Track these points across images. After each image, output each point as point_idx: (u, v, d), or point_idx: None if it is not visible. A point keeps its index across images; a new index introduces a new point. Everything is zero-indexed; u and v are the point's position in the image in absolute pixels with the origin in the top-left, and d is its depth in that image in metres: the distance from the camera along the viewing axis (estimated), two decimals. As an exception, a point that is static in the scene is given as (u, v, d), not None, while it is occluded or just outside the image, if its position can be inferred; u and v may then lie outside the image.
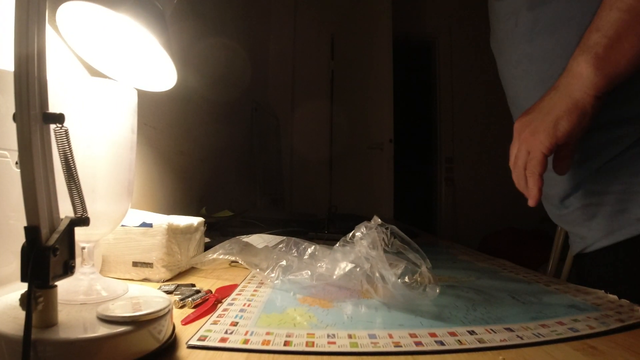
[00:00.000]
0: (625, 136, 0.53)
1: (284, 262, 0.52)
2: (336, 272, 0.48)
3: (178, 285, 0.50)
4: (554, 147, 0.48)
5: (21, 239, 0.26)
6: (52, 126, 0.28)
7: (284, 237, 0.61)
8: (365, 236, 0.47)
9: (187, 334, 0.35)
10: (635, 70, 0.44)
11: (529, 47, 0.60)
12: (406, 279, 0.45)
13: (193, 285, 0.51)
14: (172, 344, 0.33)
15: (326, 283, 0.49)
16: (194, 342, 0.33)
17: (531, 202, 0.51)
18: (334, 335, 0.35)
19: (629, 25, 0.43)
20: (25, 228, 0.26)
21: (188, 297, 0.44)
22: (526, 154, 0.51)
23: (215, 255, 0.55)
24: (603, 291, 0.50)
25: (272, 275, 0.51)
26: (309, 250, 0.54)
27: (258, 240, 0.65)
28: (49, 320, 0.27)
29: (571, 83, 0.47)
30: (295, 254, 0.54)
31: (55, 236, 0.27)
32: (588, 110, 0.46)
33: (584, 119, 0.46)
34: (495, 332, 0.36)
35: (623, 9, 0.43)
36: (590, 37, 0.46)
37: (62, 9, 0.45)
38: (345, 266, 0.48)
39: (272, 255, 0.53)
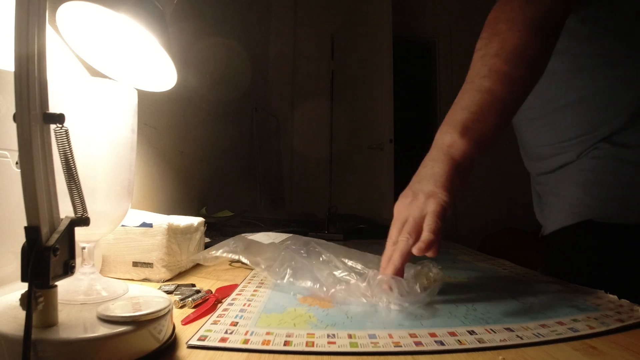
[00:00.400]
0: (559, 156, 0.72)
1: (293, 263, 0.51)
2: (346, 277, 0.48)
3: (178, 285, 0.50)
4: (452, 201, 0.49)
5: (21, 239, 0.26)
6: (53, 126, 0.28)
7: (290, 235, 0.62)
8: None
9: (187, 334, 0.35)
10: (495, 142, 0.54)
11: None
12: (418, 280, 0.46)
13: (193, 285, 0.51)
14: (172, 344, 0.33)
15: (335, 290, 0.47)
16: (194, 342, 0.33)
17: (432, 253, 0.46)
18: (334, 335, 0.35)
19: (490, 103, 0.52)
20: (26, 228, 0.26)
21: (188, 297, 0.44)
22: (417, 219, 0.48)
23: (218, 253, 0.54)
24: (603, 291, 0.51)
25: (278, 270, 0.50)
26: (324, 257, 0.53)
27: (264, 238, 0.65)
28: (49, 320, 0.27)
29: (448, 151, 0.51)
30: (304, 254, 0.54)
31: (56, 236, 0.27)
32: (466, 170, 0.52)
33: (466, 175, 0.52)
34: (495, 332, 0.36)
35: (483, 91, 0.52)
36: (456, 114, 0.53)
37: (62, 9, 0.45)
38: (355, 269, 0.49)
39: (279, 252, 0.53)
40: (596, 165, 0.68)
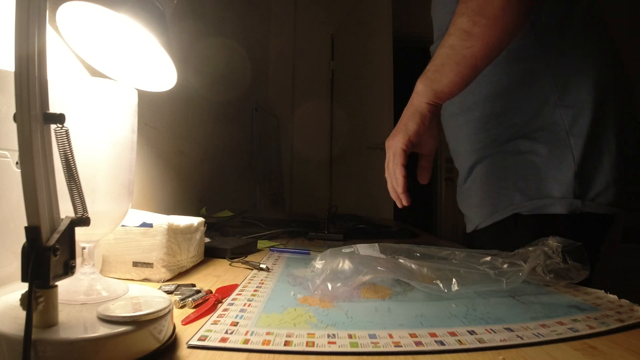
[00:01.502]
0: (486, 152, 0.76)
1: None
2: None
3: (178, 285, 0.50)
4: (409, 142, 0.63)
5: (21, 239, 0.26)
6: (53, 126, 0.28)
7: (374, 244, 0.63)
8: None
9: (187, 334, 0.35)
10: (455, 88, 0.61)
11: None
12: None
13: (193, 285, 0.51)
14: (172, 344, 0.33)
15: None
16: (194, 342, 0.33)
17: (402, 195, 0.66)
18: (334, 335, 0.35)
19: (450, 56, 0.60)
20: (26, 228, 0.26)
21: (188, 297, 0.44)
22: (392, 154, 0.65)
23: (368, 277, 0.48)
24: (603, 291, 0.51)
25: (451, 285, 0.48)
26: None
27: (370, 250, 0.61)
28: (49, 320, 0.27)
29: (414, 97, 0.64)
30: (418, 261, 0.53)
31: (56, 236, 0.27)
32: (426, 114, 0.63)
33: (424, 120, 0.63)
34: (495, 332, 0.36)
35: (446, 47, 0.60)
36: (427, 67, 0.63)
37: (62, 9, 0.45)
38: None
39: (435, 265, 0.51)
40: (516, 160, 0.72)
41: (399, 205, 0.68)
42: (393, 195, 0.68)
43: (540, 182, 0.69)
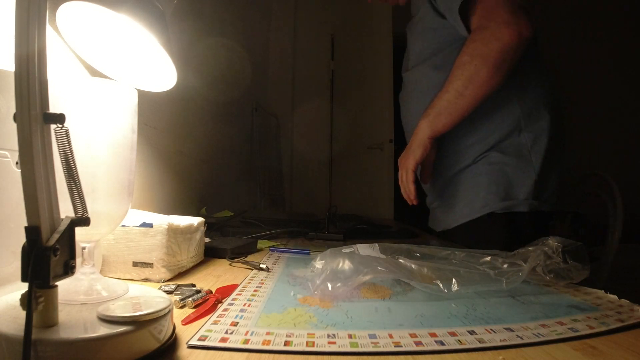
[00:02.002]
0: (462, 159, 0.96)
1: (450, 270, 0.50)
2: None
3: (178, 285, 0.50)
4: (417, 164, 0.91)
5: (21, 239, 0.26)
6: (53, 126, 0.28)
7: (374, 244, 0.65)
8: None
9: (187, 334, 0.35)
10: (449, 128, 0.88)
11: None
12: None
13: (193, 285, 0.51)
14: (172, 344, 0.33)
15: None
16: (194, 342, 0.33)
17: (413, 199, 0.94)
18: (334, 335, 0.35)
19: (446, 107, 0.86)
20: (26, 228, 0.26)
21: (188, 297, 0.44)
22: (405, 171, 0.94)
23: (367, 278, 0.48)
24: (603, 291, 0.51)
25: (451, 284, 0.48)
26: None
27: (370, 250, 0.62)
28: (49, 320, 0.27)
29: (418, 132, 0.90)
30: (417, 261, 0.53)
31: (56, 236, 0.27)
32: (427, 145, 0.90)
33: (427, 149, 0.90)
34: (495, 332, 0.36)
35: (444, 99, 0.86)
36: (429, 110, 0.89)
37: (62, 9, 0.45)
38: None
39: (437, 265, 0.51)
40: (490, 169, 0.93)
41: (410, 203, 0.96)
42: (407, 199, 0.96)
43: (509, 187, 0.91)
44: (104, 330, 0.27)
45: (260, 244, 0.87)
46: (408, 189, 0.93)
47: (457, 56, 0.85)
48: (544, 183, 0.90)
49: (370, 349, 0.33)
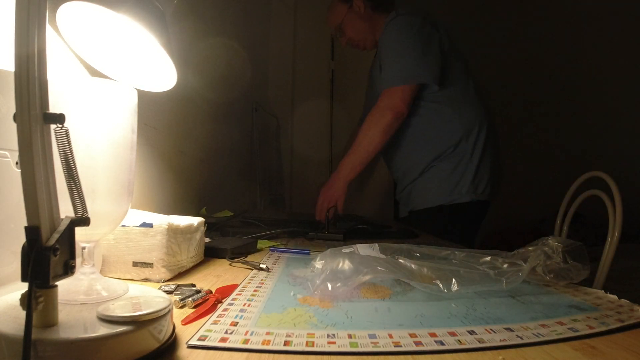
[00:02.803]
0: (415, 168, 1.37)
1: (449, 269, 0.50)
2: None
3: (178, 285, 0.50)
4: (335, 201, 1.27)
5: (21, 238, 0.26)
6: (53, 126, 0.28)
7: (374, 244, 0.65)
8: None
9: (187, 334, 0.35)
10: (361, 171, 1.32)
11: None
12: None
13: (193, 285, 0.51)
14: (172, 344, 0.33)
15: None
16: (194, 342, 0.33)
17: (322, 219, 1.21)
18: (334, 335, 0.35)
19: (355, 162, 1.30)
20: (26, 228, 0.26)
21: (188, 297, 0.44)
22: (327, 203, 1.27)
23: (367, 278, 0.48)
24: (603, 291, 0.51)
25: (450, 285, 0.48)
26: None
27: (370, 250, 0.62)
28: (49, 320, 0.27)
29: (340, 177, 1.30)
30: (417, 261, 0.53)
31: (56, 236, 0.27)
32: (345, 188, 1.29)
33: (344, 189, 1.29)
34: (495, 332, 0.37)
35: (354, 155, 1.31)
36: (346, 164, 1.32)
37: (62, 9, 0.45)
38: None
39: (438, 265, 0.51)
40: (441, 172, 1.29)
41: (317, 219, 1.28)
42: (317, 216, 1.29)
43: (455, 185, 1.28)
44: (103, 330, 0.27)
45: (260, 244, 0.87)
46: (320, 217, 1.26)
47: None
48: (479, 180, 1.28)
49: (370, 349, 0.33)
